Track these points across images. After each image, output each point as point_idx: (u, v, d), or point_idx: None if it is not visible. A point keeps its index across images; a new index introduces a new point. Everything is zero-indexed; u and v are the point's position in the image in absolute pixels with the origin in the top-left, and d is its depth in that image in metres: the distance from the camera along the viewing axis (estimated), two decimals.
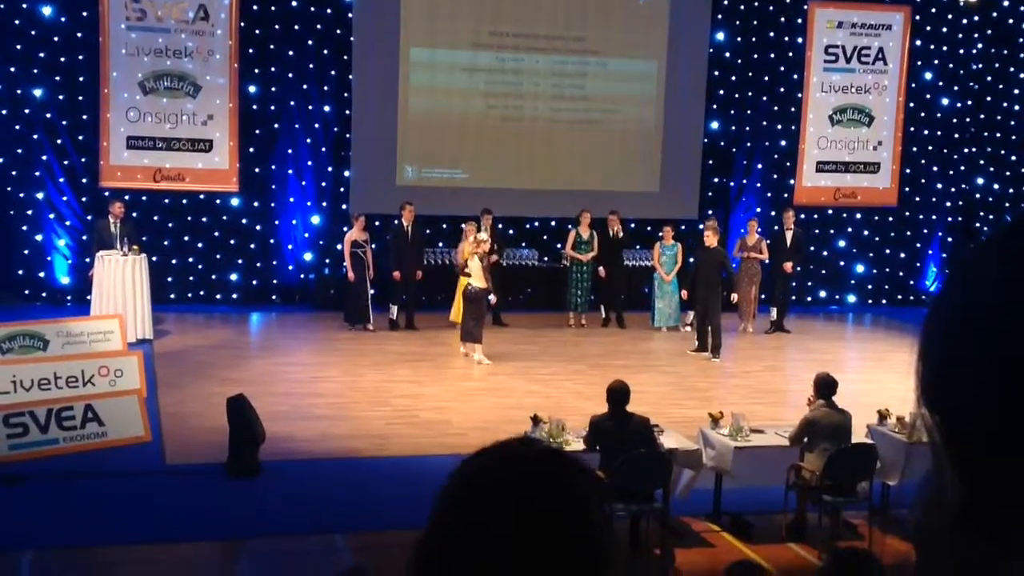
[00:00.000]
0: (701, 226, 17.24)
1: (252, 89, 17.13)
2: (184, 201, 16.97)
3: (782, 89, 19.17)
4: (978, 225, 20.11)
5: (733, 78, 18.90)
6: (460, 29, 17.61)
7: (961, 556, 0.82)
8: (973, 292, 0.82)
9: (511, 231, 17.82)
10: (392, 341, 15.23)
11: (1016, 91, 19.86)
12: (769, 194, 19.30)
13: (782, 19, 19.04)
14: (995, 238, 0.83)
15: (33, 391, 10.33)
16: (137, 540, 8.08)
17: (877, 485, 8.61)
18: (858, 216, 19.72)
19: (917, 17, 19.45)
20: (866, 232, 19.77)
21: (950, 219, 20.18)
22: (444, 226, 17.36)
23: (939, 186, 20.03)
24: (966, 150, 20.09)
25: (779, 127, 19.26)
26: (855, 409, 8.75)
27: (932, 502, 0.85)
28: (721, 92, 18.86)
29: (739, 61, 18.88)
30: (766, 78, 19.05)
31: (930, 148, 19.88)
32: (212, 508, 8.73)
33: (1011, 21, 19.79)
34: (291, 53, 17.19)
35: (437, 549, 1.22)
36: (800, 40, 19.13)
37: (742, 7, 18.74)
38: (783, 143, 19.32)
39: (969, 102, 19.90)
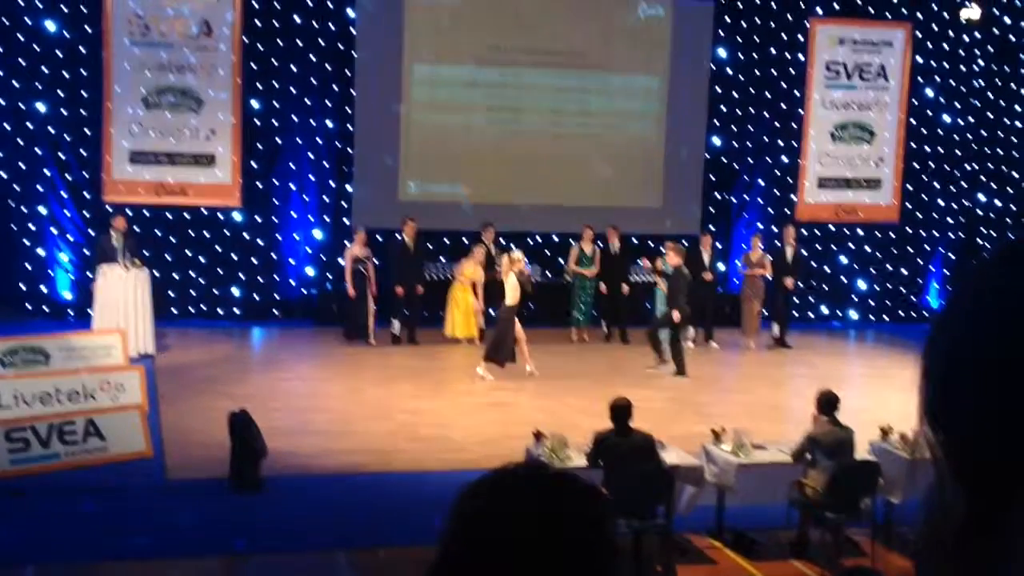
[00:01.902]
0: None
1: (255, 104, 17.18)
2: (186, 216, 17.00)
3: (783, 105, 19.21)
4: (980, 242, 20.11)
5: (735, 94, 18.94)
6: (463, 45, 17.66)
7: (963, 569, 0.82)
8: (975, 310, 0.82)
9: (512, 246, 17.80)
10: (394, 356, 15.22)
11: (1017, 107, 19.90)
12: (771, 210, 19.32)
13: (783, 36, 19.09)
14: (997, 256, 0.84)
15: (35, 406, 10.32)
16: (138, 555, 8.06)
17: (880, 502, 8.58)
18: (860, 232, 19.74)
19: (918, 34, 19.50)
20: (868, 248, 19.78)
21: (952, 235, 20.19)
22: (446, 241, 17.38)
23: (941, 202, 20.05)
24: (967, 166, 20.11)
25: (780, 143, 19.30)
26: (857, 426, 8.73)
27: (934, 517, 0.85)
28: (723, 108, 18.91)
29: (741, 77, 18.93)
30: (768, 94, 19.10)
31: (931, 164, 19.90)
32: (214, 523, 8.71)
33: (1012, 38, 19.84)
34: (294, 68, 17.24)
35: (450, 570, 1.22)
36: (801, 57, 19.18)
37: (744, 24, 18.79)
38: (784, 159, 19.35)
39: (970, 118, 19.93)
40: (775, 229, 18.49)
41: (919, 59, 19.58)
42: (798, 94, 19.23)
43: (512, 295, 13.83)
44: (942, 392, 0.83)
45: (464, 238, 16.26)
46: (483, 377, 13.88)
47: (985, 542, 0.80)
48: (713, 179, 19.00)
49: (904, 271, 20.02)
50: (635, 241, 17.84)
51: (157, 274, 15.56)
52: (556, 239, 18.11)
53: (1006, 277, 0.81)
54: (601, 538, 1.24)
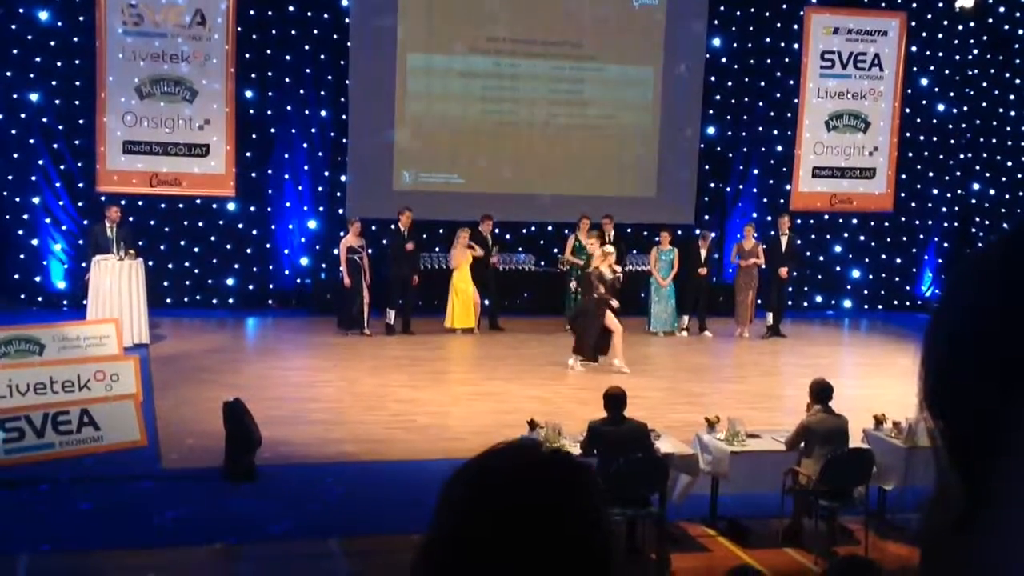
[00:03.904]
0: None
1: (249, 94, 17.14)
2: (180, 206, 16.97)
3: (778, 95, 19.20)
4: (974, 231, 20.14)
5: (730, 84, 18.93)
6: (457, 34, 17.63)
7: (964, 559, 0.82)
8: (975, 297, 0.82)
9: (508, 236, 17.83)
10: (389, 345, 15.23)
11: (1012, 97, 19.91)
12: (765, 199, 19.32)
13: (778, 25, 19.07)
14: (997, 244, 0.84)
15: (29, 395, 10.31)
16: (133, 545, 8.06)
17: (874, 490, 8.60)
18: (854, 221, 19.75)
19: (913, 23, 19.49)
20: (862, 237, 19.80)
21: (946, 225, 20.22)
22: (441, 231, 17.37)
23: (935, 192, 20.07)
24: (962, 156, 20.12)
25: (775, 133, 19.29)
26: (851, 414, 8.74)
27: (934, 506, 0.85)
28: (718, 97, 18.89)
29: (736, 67, 18.92)
30: (762, 84, 19.09)
31: (926, 154, 19.92)
32: (208, 513, 8.71)
33: (1007, 27, 19.84)
34: (288, 58, 17.20)
35: (441, 552, 1.22)
36: (796, 46, 19.17)
37: (739, 13, 18.77)
38: (779, 148, 19.35)
39: (965, 108, 19.94)
40: (770, 218, 18.51)
41: (914, 48, 19.57)
42: (793, 83, 19.23)
43: (603, 287, 13.92)
44: (942, 379, 0.83)
45: (460, 228, 16.24)
46: (572, 367, 13.86)
47: (981, 536, 0.80)
48: (708, 168, 18.99)
49: (898, 260, 20.05)
50: (629, 230, 17.83)
51: (151, 264, 15.54)
52: (550, 228, 18.11)
53: (1006, 265, 0.81)
54: (596, 524, 1.23)
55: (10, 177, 16.41)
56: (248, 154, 17.23)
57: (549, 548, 1.18)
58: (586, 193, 17.88)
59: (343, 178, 17.61)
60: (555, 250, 17.71)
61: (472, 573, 1.18)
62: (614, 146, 18.37)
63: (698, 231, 17.48)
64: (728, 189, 19.26)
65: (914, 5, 19.46)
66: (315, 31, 17.28)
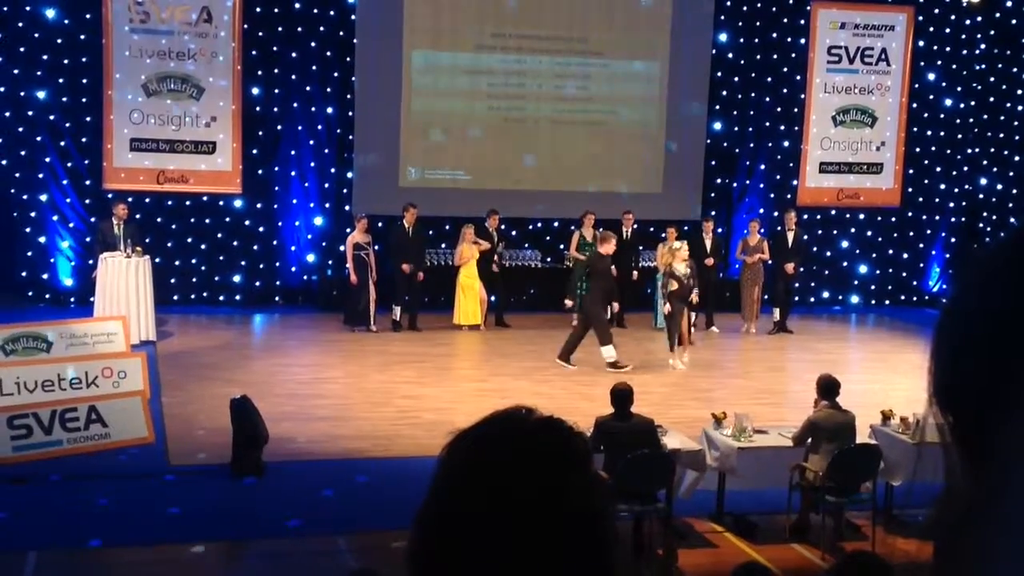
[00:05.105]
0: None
1: (255, 91, 17.15)
2: (187, 203, 16.99)
3: (785, 90, 19.17)
4: (981, 226, 20.08)
5: (736, 79, 18.90)
6: (463, 31, 17.62)
7: (969, 556, 0.82)
8: (985, 293, 0.82)
9: (514, 232, 17.82)
10: (395, 342, 15.24)
11: (1019, 91, 19.83)
12: (772, 195, 19.29)
13: (784, 20, 19.03)
14: (1009, 239, 0.84)
15: (37, 393, 10.34)
16: (140, 541, 8.08)
17: (881, 485, 8.60)
18: (861, 217, 19.72)
19: (920, 18, 19.44)
20: (869, 233, 19.76)
21: (953, 220, 20.16)
22: (447, 227, 17.37)
23: (942, 187, 20.02)
24: (969, 151, 20.07)
25: (782, 128, 19.26)
26: (858, 410, 8.74)
27: (943, 502, 0.85)
28: (724, 93, 18.86)
29: (742, 62, 18.88)
30: (769, 79, 19.05)
31: (933, 149, 19.87)
32: (215, 509, 8.74)
33: (1014, 21, 19.76)
34: (294, 55, 17.21)
35: (437, 522, 1.22)
36: (803, 41, 19.13)
37: (744, 8, 18.73)
38: (786, 144, 19.32)
39: (972, 102, 19.88)
40: (776, 214, 18.48)
41: (921, 43, 19.52)
42: (799, 78, 19.19)
43: (677, 285, 13.92)
44: (951, 375, 0.83)
45: (464, 225, 16.23)
46: (672, 366, 13.93)
47: (984, 534, 0.80)
48: (714, 164, 18.97)
49: (905, 255, 20.01)
50: (635, 226, 17.79)
51: (158, 261, 15.57)
52: (556, 224, 18.10)
53: (1016, 261, 0.81)
54: (594, 487, 1.24)
55: (17, 175, 16.44)
56: (254, 151, 17.24)
57: (544, 514, 1.19)
58: (592, 189, 17.87)
59: (349, 175, 17.61)
60: (561, 246, 17.70)
61: (467, 541, 1.18)
62: (620, 142, 18.35)
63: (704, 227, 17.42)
64: (734, 185, 19.23)
65: (921, 0, 19.41)
66: (321, 28, 17.28)
